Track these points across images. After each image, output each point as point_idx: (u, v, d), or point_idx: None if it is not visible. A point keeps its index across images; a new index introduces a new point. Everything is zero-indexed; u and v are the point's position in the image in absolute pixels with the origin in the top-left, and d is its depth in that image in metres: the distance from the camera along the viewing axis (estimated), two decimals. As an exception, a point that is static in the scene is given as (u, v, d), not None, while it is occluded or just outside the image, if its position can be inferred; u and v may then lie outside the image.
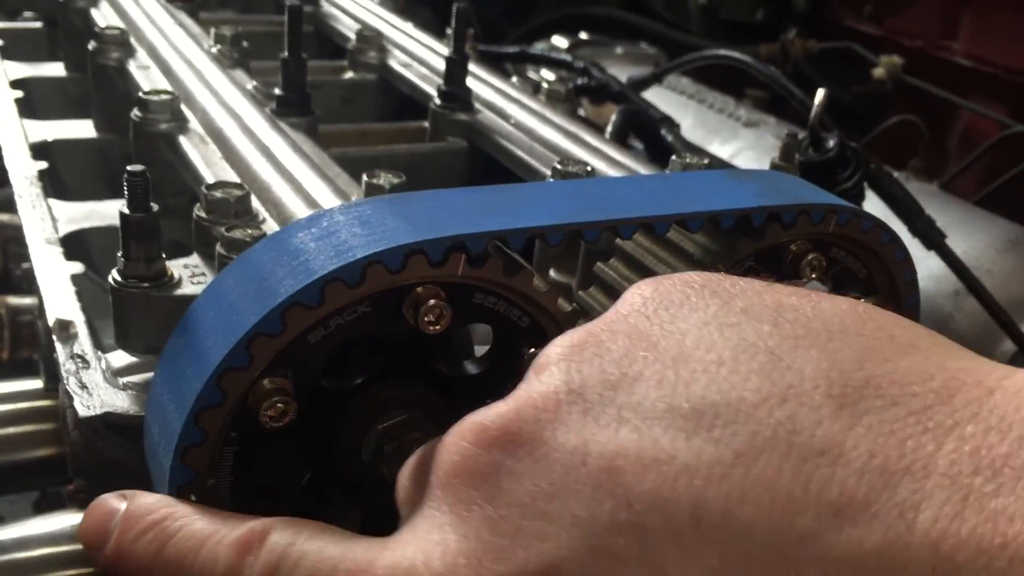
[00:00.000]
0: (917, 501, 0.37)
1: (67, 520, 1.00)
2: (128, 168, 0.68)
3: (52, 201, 0.98)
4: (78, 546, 0.96)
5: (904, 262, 0.79)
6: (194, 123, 0.98)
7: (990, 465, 0.37)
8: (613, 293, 0.77)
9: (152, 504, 0.58)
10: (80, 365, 0.72)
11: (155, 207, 0.69)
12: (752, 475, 0.38)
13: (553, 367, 0.47)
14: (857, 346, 0.42)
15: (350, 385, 0.65)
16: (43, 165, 1.04)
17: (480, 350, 0.75)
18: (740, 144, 1.65)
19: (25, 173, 1.02)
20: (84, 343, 0.75)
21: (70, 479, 1.10)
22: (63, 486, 1.25)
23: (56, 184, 1.10)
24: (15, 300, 1.38)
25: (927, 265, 1.26)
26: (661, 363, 0.44)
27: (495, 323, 0.68)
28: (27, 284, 1.42)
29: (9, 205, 1.58)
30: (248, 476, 0.63)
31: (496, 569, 0.42)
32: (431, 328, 0.63)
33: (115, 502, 0.59)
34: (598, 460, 0.42)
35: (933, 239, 1.27)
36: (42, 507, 1.41)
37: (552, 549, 0.41)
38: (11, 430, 1.10)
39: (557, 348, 0.49)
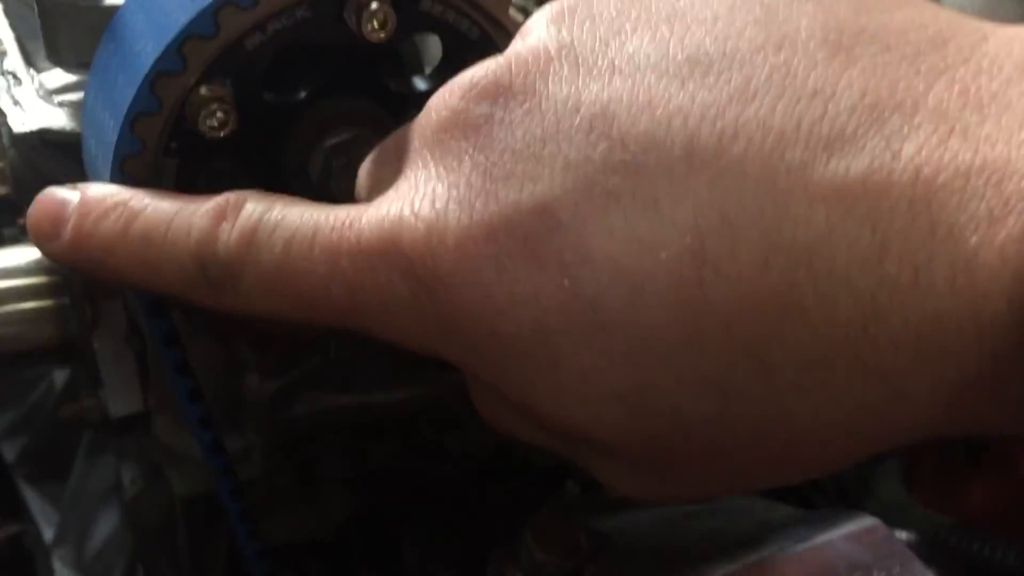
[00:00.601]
0: (904, 134, 0.38)
1: (22, 254, 1.00)
2: None
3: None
4: (34, 278, 0.97)
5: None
6: None
7: (977, 102, 0.38)
8: (569, 9, 0.74)
9: (112, 188, 0.55)
10: (12, 82, 0.69)
11: (75, -94, 0.64)
12: (745, 114, 0.39)
13: (542, 27, 0.47)
14: (853, 1, 0.43)
15: (294, 99, 0.63)
16: None
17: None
18: None
19: None
20: (15, 60, 0.71)
21: (20, 213, 1.09)
22: (13, 225, 1.24)
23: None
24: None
25: None
26: (655, 21, 0.44)
27: (444, 34, 0.65)
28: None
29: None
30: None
31: (487, 210, 0.42)
32: (375, 35, 0.60)
33: (67, 191, 0.55)
34: (591, 107, 0.42)
35: None
36: (-1, 250, 1.41)
37: (545, 189, 0.42)
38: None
39: (544, 12, 0.48)
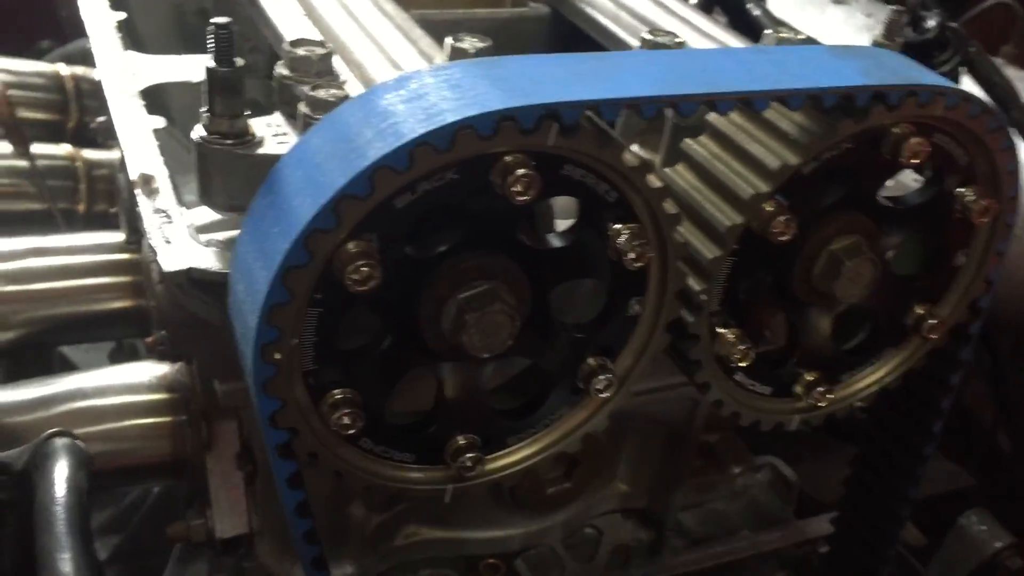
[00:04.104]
0: None
1: (146, 370, 1.03)
2: (213, 21, 0.67)
3: (130, 53, 0.97)
4: (156, 395, 1.00)
5: (1009, 151, 0.76)
6: (273, -22, 0.96)
7: None
8: (701, 171, 0.75)
9: None
10: (164, 220, 0.72)
11: (240, 62, 0.67)
12: None
13: None
14: None
15: (434, 253, 0.65)
16: (122, 15, 1.03)
17: (562, 224, 0.74)
18: (828, 22, 1.58)
19: (104, 23, 1.01)
20: (167, 198, 0.75)
21: (148, 331, 1.12)
22: (139, 338, 1.28)
23: (133, 38, 1.09)
24: (91, 154, 1.39)
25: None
26: None
27: (582, 196, 0.66)
28: (102, 138, 1.43)
29: (84, 57, 1.58)
30: (331, 338, 0.63)
31: None
32: (519, 198, 0.61)
33: None
34: None
35: (1030, 130, 1.21)
36: (117, 358, 1.45)
37: None
38: (90, 281, 1.12)
39: None
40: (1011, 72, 1.46)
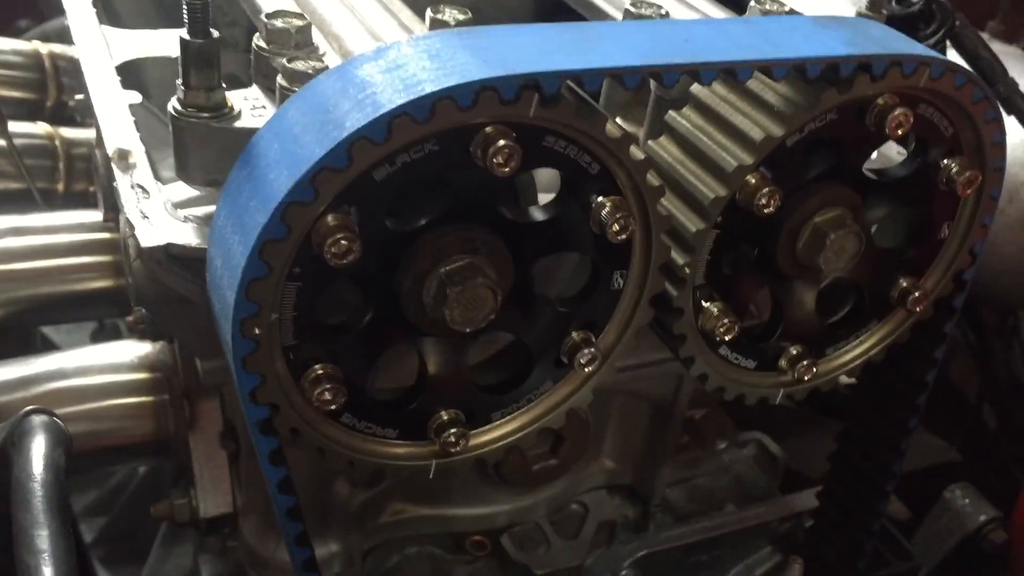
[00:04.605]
0: None
1: (127, 350, 1.02)
2: (188, -9, 0.65)
3: (106, 29, 0.96)
4: (138, 374, 0.99)
5: (994, 122, 0.75)
6: (251, -49, 0.94)
7: None
8: (685, 143, 0.74)
9: None
10: (141, 195, 0.71)
11: (215, 33, 0.66)
12: None
13: None
14: None
15: (414, 226, 0.64)
16: (97, -9, 1.01)
17: (544, 197, 0.73)
18: (814, -4, 1.57)
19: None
20: (144, 173, 0.74)
21: (129, 310, 1.11)
22: (121, 317, 1.27)
23: (109, 13, 1.07)
24: (70, 132, 1.37)
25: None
26: None
27: (564, 168, 0.66)
28: (81, 116, 1.41)
29: (61, 35, 1.56)
30: (310, 313, 0.63)
31: None
32: (499, 170, 0.60)
33: None
34: None
35: (1015, 104, 1.20)
36: (99, 337, 1.44)
37: None
38: (70, 260, 1.11)
39: None
40: (997, 47, 1.45)
